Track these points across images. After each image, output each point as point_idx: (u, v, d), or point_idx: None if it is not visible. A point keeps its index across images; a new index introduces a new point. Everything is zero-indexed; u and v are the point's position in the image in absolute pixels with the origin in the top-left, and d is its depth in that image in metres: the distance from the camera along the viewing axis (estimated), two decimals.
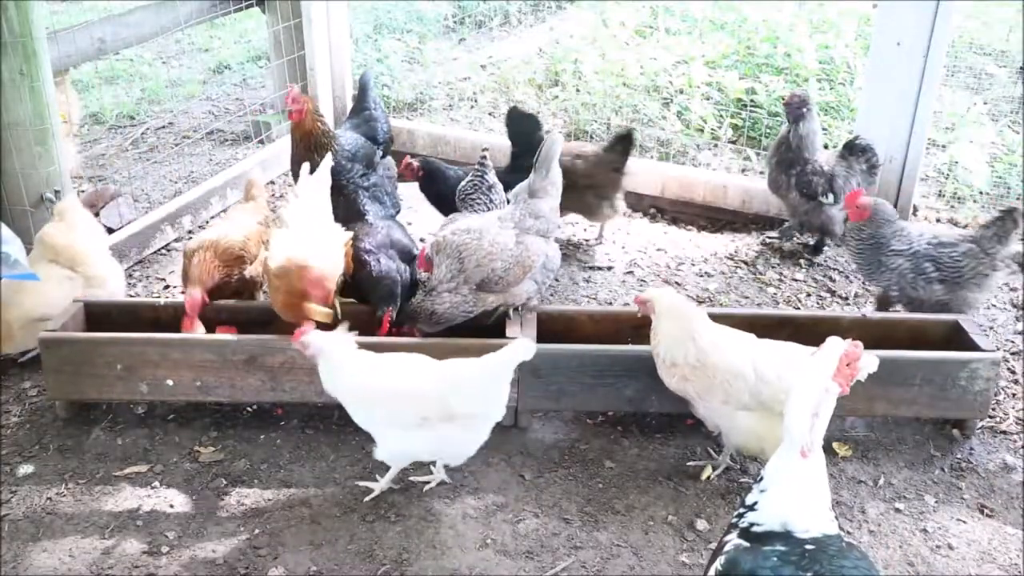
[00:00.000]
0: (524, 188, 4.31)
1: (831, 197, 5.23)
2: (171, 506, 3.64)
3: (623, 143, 5.35)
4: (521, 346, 3.43)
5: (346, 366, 3.51)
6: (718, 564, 2.46)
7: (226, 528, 3.54)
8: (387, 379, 3.50)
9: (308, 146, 4.70)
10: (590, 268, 5.43)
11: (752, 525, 2.48)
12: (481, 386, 3.48)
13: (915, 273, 4.35)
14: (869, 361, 2.80)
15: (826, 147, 5.69)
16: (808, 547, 2.37)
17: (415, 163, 5.10)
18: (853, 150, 5.31)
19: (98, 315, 4.23)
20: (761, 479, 2.54)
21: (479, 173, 4.62)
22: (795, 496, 2.47)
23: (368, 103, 5.44)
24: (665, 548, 3.50)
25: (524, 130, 5.25)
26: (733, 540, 2.49)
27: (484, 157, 4.65)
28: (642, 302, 3.81)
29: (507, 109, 5.63)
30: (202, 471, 3.82)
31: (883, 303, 4.61)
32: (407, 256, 4.40)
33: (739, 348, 3.63)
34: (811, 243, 5.63)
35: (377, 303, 4.13)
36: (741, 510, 2.55)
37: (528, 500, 3.71)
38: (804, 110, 5.28)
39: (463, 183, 4.66)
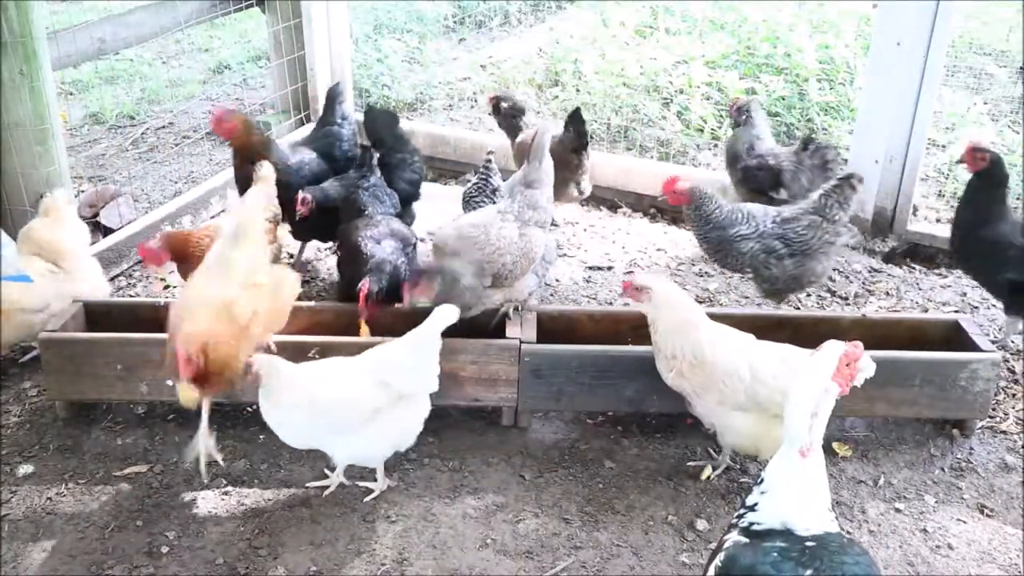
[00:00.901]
0: (519, 179, 4.23)
1: (783, 192, 5.24)
2: (171, 506, 3.64)
3: (574, 122, 5.33)
4: (443, 311, 3.51)
5: (294, 383, 3.45)
6: (718, 561, 2.46)
7: (226, 528, 3.54)
8: (333, 384, 3.48)
9: (246, 158, 4.65)
10: (590, 268, 5.43)
11: (752, 524, 2.48)
12: (416, 360, 3.51)
13: (766, 253, 4.39)
14: (866, 364, 2.79)
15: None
16: (809, 544, 2.37)
17: (308, 197, 4.65)
18: (806, 146, 5.30)
19: (98, 315, 4.23)
20: (762, 480, 2.54)
21: (483, 176, 4.61)
22: (795, 496, 2.46)
23: (333, 117, 5.28)
24: (665, 548, 3.50)
25: (385, 125, 5.11)
26: (733, 537, 2.49)
27: (489, 160, 4.64)
28: (635, 289, 3.63)
29: (364, 109, 5.40)
30: None
31: (772, 295, 4.60)
32: (407, 244, 4.40)
33: (735, 348, 3.63)
34: None
35: (363, 276, 4.06)
36: (741, 511, 2.54)
37: (528, 500, 3.71)
38: (743, 118, 5.45)
39: (467, 186, 4.64)
